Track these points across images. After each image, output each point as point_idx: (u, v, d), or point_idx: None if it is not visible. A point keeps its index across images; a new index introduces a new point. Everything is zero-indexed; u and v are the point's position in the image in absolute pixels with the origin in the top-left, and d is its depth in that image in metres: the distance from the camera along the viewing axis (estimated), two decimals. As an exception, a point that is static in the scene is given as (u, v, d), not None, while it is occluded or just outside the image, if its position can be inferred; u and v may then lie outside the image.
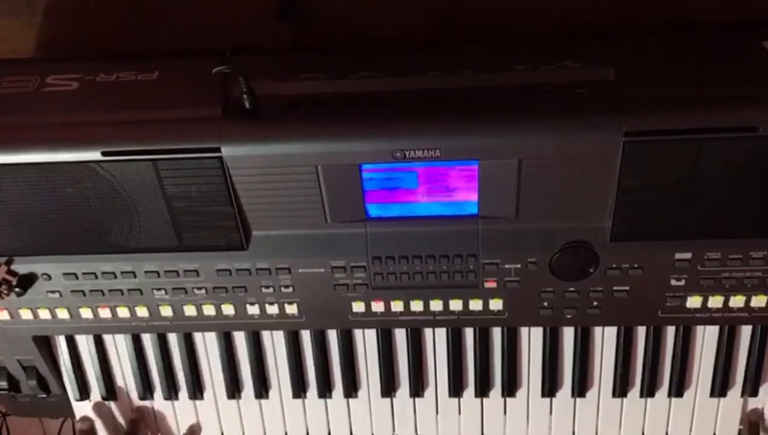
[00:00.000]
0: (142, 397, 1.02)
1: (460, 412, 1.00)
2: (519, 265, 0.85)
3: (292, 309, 0.90)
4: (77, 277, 0.88)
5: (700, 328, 0.94)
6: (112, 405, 1.04)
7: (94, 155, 0.76)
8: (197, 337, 0.98)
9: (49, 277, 0.88)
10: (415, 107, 0.76)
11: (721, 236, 0.81)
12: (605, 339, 0.95)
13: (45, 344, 0.98)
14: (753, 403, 0.97)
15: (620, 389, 0.96)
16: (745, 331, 0.93)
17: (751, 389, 0.95)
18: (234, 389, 1.01)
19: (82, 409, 1.04)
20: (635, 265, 0.84)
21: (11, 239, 0.84)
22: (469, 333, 0.96)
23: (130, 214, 0.81)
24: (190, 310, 0.90)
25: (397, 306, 0.89)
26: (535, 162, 0.76)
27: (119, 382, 1.02)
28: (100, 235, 0.83)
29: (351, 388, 0.99)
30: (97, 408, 1.04)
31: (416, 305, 0.89)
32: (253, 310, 0.90)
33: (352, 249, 0.85)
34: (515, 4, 0.91)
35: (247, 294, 0.89)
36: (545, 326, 0.94)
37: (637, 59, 0.79)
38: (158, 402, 1.04)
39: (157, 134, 0.76)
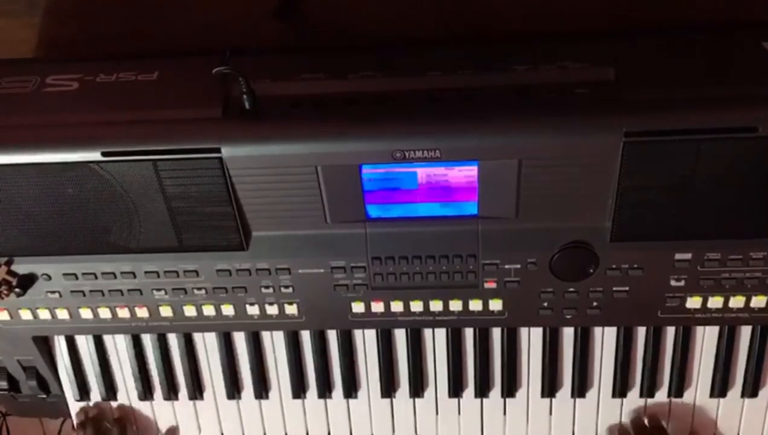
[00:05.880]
0: (142, 398, 1.02)
1: (460, 413, 1.00)
2: (519, 266, 0.85)
3: (291, 309, 0.90)
4: (77, 278, 0.88)
5: (699, 329, 0.94)
6: (111, 405, 1.04)
7: (94, 155, 0.76)
8: (197, 337, 0.98)
9: (49, 278, 0.88)
10: (415, 107, 0.76)
11: (721, 236, 0.81)
12: (605, 339, 0.95)
13: (45, 344, 0.98)
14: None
15: (620, 390, 0.96)
16: (745, 332, 0.93)
17: (750, 390, 0.95)
18: (234, 389, 1.01)
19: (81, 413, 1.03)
20: (635, 266, 0.84)
21: (11, 239, 0.84)
22: (468, 333, 0.96)
23: (130, 215, 0.81)
24: (190, 311, 0.90)
25: (396, 306, 0.89)
26: (535, 162, 0.76)
27: (119, 382, 1.02)
28: (100, 236, 0.83)
29: (351, 389, 0.99)
30: (96, 407, 1.04)
31: (416, 305, 0.89)
32: (252, 310, 0.90)
33: (351, 249, 0.85)
34: (515, 4, 0.91)
35: (247, 294, 0.89)
36: (545, 326, 0.94)
37: (637, 59, 0.79)
38: (158, 402, 1.04)
39: (157, 134, 0.76)
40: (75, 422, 1.03)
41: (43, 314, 0.91)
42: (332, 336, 0.97)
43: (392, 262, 0.85)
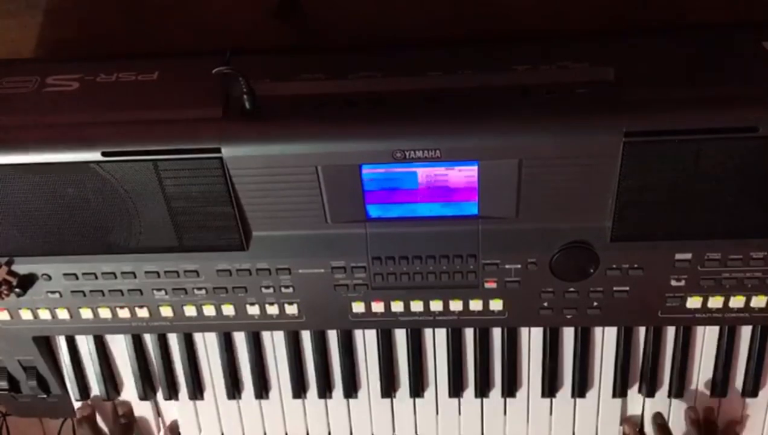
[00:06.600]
0: (143, 398, 1.02)
1: (460, 413, 1.00)
2: (519, 266, 0.85)
3: (292, 309, 0.90)
4: (77, 278, 0.88)
5: (700, 329, 0.94)
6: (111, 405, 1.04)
7: (94, 155, 0.76)
8: (197, 337, 0.98)
9: (50, 278, 0.88)
10: (415, 107, 0.76)
11: (721, 236, 0.81)
12: (605, 339, 0.95)
13: (45, 344, 0.98)
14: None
15: (620, 390, 0.96)
16: (745, 332, 0.93)
17: (751, 390, 0.95)
18: (234, 389, 1.01)
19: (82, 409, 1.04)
20: (635, 266, 0.84)
21: (12, 240, 0.84)
22: (469, 333, 0.96)
23: (130, 215, 0.81)
24: (190, 311, 0.90)
25: (397, 306, 0.89)
26: (535, 162, 0.76)
27: (119, 382, 1.02)
28: (100, 236, 0.83)
29: (351, 389, 0.99)
30: (97, 408, 1.04)
31: (416, 305, 0.89)
32: (253, 310, 0.90)
33: (352, 249, 0.85)
34: (515, 4, 0.91)
35: (248, 294, 0.89)
36: (545, 326, 0.94)
37: (637, 59, 0.79)
38: (158, 402, 1.04)
39: (157, 134, 0.76)
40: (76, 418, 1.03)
41: (44, 314, 0.91)
42: (332, 336, 0.97)
43: (392, 262, 0.85)
